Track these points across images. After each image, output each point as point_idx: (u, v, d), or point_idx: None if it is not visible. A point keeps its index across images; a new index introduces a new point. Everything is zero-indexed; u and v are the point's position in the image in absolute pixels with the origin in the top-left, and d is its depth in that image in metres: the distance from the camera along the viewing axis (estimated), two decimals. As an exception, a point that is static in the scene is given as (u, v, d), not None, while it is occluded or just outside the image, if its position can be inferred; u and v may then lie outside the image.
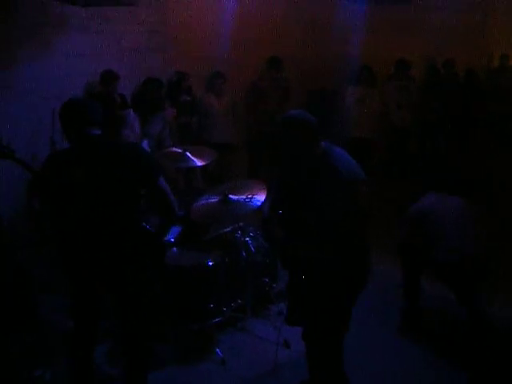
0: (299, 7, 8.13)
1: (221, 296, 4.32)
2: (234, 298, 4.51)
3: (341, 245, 2.96)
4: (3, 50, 5.63)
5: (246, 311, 4.52)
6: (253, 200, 4.27)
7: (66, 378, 3.49)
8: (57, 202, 3.13)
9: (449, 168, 7.97)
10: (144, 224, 3.73)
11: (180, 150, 4.81)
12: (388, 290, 4.88)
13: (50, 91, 5.83)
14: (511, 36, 10.34)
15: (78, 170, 2.99)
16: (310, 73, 8.29)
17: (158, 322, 4.15)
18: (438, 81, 9.04)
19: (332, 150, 3.07)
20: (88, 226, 3.06)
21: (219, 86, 7.10)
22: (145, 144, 5.62)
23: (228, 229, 4.71)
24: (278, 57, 7.55)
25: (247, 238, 4.63)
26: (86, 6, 6.06)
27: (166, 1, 7.05)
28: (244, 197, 4.32)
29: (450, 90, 8.88)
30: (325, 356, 3.33)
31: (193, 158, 4.74)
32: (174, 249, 4.40)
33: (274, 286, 4.83)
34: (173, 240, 4.41)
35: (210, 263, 4.22)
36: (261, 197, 4.27)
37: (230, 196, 4.32)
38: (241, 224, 4.63)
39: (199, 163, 4.76)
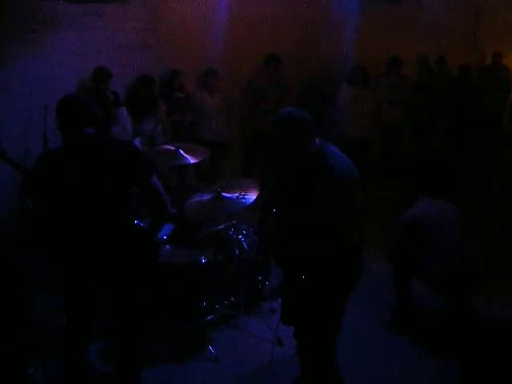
0: (294, 5, 8.12)
1: (214, 294, 4.32)
2: (226, 295, 4.51)
3: (337, 244, 2.96)
4: (-5, 47, 5.61)
5: (239, 309, 4.52)
6: (245, 198, 4.27)
7: (58, 377, 3.48)
8: (50, 201, 3.12)
9: (441, 167, 8.02)
10: (137, 222, 3.74)
11: (173, 148, 4.79)
12: (381, 289, 4.89)
13: (42, 89, 5.80)
14: (503, 34, 10.36)
15: (71, 168, 2.98)
16: (305, 71, 8.29)
17: (151, 320, 4.14)
18: (430, 78, 9.07)
19: (326, 148, 3.07)
20: (81, 225, 3.05)
21: (212, 83, 7.09)
22: (137, 142, 5.61)
23: (221, 226, 4.71)
24: (277, 54, 7.55)
25: (240, 236, 4.64)
26: (79, 3, 6.04)
27: (158, -2, 7.04)
28: (237, 194, 4.32)
29: (442, 88, 8.91)
30: (317, 354, 3.34)
31: (185, 155, 4.73)
32: (167, 246, 4.39)
33: (267, 283, 4.83)
34: (165, 238, 4.40)
35: (203, 261, 4.22)
36: (253, 195, 4.27)
37: (223, 194, 4.32)
38: (234, 222, 4.64)
39: (192, 161, 4.75)
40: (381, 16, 8.73)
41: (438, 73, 9.44)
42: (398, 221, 4.53)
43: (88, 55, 6.29)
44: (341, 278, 3.08)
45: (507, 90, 9.99)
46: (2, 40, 5.64)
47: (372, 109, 8.12)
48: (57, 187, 3.02)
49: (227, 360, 4.10)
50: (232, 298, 4.54)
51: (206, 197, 4.39)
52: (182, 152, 4.73)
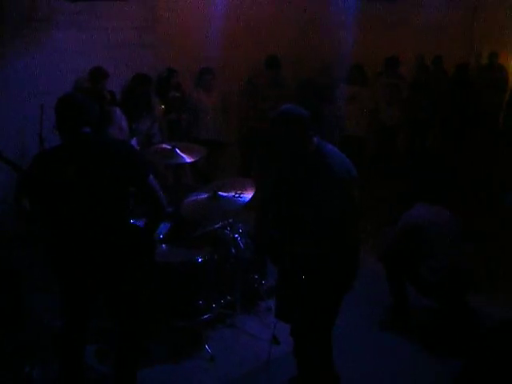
0: (292, 5, 8.12)
1: (210, 293, 4.32)
2: (223, 294, 4.51)
3: (335, 242, 2.97)
4: (-10, 46, 5.60)
5: (236, 308, 4.52)
6: (242, 197, 4.27)
7: (55, 376, 3.48)
8: (46, 201, 3.11)
9: (438, 166, 8.03)
10: (133, 221, 3.74)
11: (169, 147, 4.79)
12: (376, 288, 4.89)
13: (38, 87, 5.80)
14: (500, 33, 10.39)
15: (68, 168, 2.97)
16: (302, 70, 8.29)
17: (148, 319, 4.14)
18: (427, 78, 9.07)
19: (324, 146, 3.07)
20: (78, 225, 3.04)
21: (208, 81, 7.08)
22: (134, 142, 5.60)
23: (217, 225, 4.71)
24: (277, 57, 7.54)
25: (236, 235, 4.63)
26: (75, 2, 6.03)
27: (155, -3, 7.03)
28: (233, 194, 4.32)
29: (439, 88, 8.92)
30: (314, 352, 3.34)
31: (182, 154, 4.72)
32: (163, 245, 4.39)
33: (263, 282, 4.83)
34: (162, 237, 4.40)
35: (199, 260, 4.22)
36: (249, 194, 4.28)
37: (220, 193, 4.32)
38: (230, 220, 4.63)
39: (188, 160, 4.75)
40: (378, 16, 8.75)
41: (434, 72, 9.45)
42: (393, 225, 4.54)
43: (85, 54, 6.29)
44: (337, 275, 3.08)
45: (504, 89, 10.02)
46: (-2, 39, 5.64)
47: (371, 108, 8.12)
48: (53, 187, 3.01)
49: (224, 359, 4.10)
50: (228, 297, 4.54)
51: (203, 196, 4.39)
52: (178, 151, 4.73)
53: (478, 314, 4.45)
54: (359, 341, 4.32)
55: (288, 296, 3.29)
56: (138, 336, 3.40)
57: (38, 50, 5.99)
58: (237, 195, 4.28)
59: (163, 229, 4.45)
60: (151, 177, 3.14)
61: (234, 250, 4.50)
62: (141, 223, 3.52)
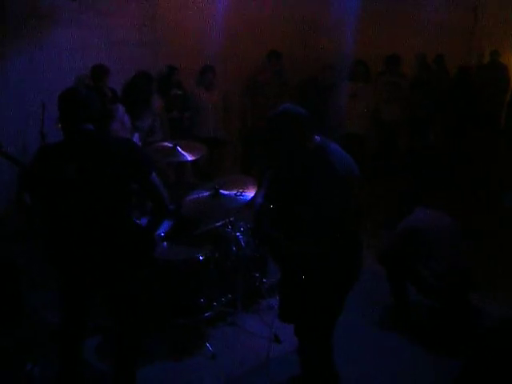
0: (293, 3, 8.11)
1: (211, 291, 4.32)
2: (224, 292, 4.51)
3: (335, 241, 2.96)
4: (-8, 43, 5.60)
5: (237, 306, 4.52)
6: (243, 195, 4.27)
7: (54, 373, 3.47)
8: (47, 197, 3.10)
9: (438, 164, 8.04)
10: (135, 219, 3.73)
11: (170, 145, 4.79)
12: (377, 287, 4.89)
13: (39, 84, 5.81)
14: (502, 32, 10.38)
15: (69, 165, 2.95)
16: (303, 68, 8.28)
17: (149, 317, 4.14)
18: (428, 76, 9.06)
19: (327, 144, 3.06)
20: (78, 222, 3.04)
21: (209, 80, 7.09)
22: (136, 137, 5.60)
23: (218, 223, 4.70)
24: (277, 50, 7.56)
25: (238, 233, 4.63)
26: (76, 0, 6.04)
27: (156, -5, 7.03)
28: (234, 192, 4.31)
29: (440, 86, 8.91)
30: (317, 352, 3.34)
31: (183, 152, 4.73)
32: (165, 243, 4.39)
33: (265, 280, 4.82)
34: (163, 234, 4.40)
35: (201, 258, 4.22)
36: (251, 192, 4.27)
37: (221, 191, 4.32)
38: (231, 219, 4.63)
39: (190, 158, 4.75)
40: (380, 14, 8.74)
41: (436, 71, 9.44)
42: (393, 227, 4.54)
43: (86, 52, 6.30)
44: (337, 275, 3.08)
45: (505, 88, 10.00)
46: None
47: (372, 107, 8.10)
48: (54, 183, 3.00)
49: (224, 357, 4.10)
50: (229, 295, 4.54)
51: (204, 194, 4.38)
52: (179, 149, 4.73)
53: (480, 314, 4.45)
54: (359, 340, 4.32)
55: (290, 296, 3.29)
56: (137, 334, 3.40)
57: (39, 48, 5.99)
58: (238, 194, 4.27)
59: (165, 226, 4.44)
60: (154, 174, 3.13)
61: (235, 248, 4.50)
62: (143, 221, 3.52)
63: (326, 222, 2.92)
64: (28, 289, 4.67)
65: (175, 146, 4.73)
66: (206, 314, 4.26)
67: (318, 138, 3.06)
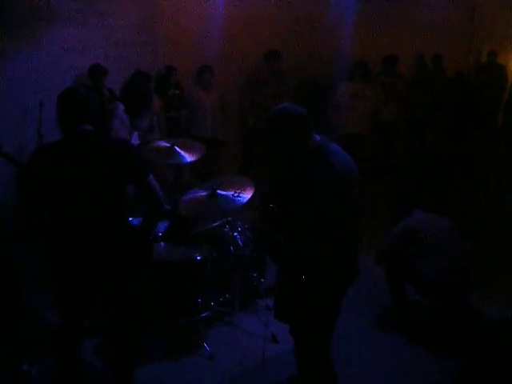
0: (291, 3, 8.11)
1: (208, 291, 4.32)
2: (221, 292, 4.52)
3: (337, 241, 2.96)
4: (-10, 43, 5.60)
5: (234, 306, 4.52)
6: (241, 196, 4.27)
7: (52, 374, 3.47)
8: (45, 197, 3.10)
9: (436, 164, 8.05)
10: (131, 219, 3.73)
11: (168, 144, 4.75)
12: (375, 286, 4.90)
13: (37, 85, 5.80)
14: (499, 32, 10.39)
15: (65, 165, 2.95)
16: (302, 69, 8.29)
17: (146, 317, 4.14)
18: (425, 76, 9.07)
19: (327, 145, 3.05)
20: (75, 222, 3.04)
21: (207, 79, 7.08)
22: (135, 136, 5.58)
23: (216, 223, 4.70)
24: (276, 50, 7.56)
25: (235, 233, 4.63)
26: (75, -1, 6.05)
27: (154, -6, 7.02)
28: (232, 192, 4.31)
29: (437, 87, 8.92)
30: (313, 351, 3.34)
31: (182, 152, 4.67)
32: (162, 243, 4.39)
33: (262, 280, 4.83)
34: (160, 235, 4.40)
35: (198, 258, 4.21)
36: (248, 193, 4.27)
37: (218, 191, 4.32)
38: (229, 219, 4.63)
39: (188, 159, 4.69)
40: (378, 14, 8.75)
41: (433, 71, 9.45)
42: (392, 228, 4.55)
43: (84, 52, 6.30)
44: (339, 274, 3.08)
45: (503, 88, 10.01)
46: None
47: (372, 106, 8.09)
48: (50, 183, 3.00)
49: (222, 357, 4.10)
50: (227, 295, 4.55)
51: (201, 193, 4.38)
52: (177, 149, 4.68)
53: (479, 314, 4.45)
54: (358, 340, 4.32)
55: (287, 295, 3.28)
56: (135, 334, 3.40)
57: (38, 48, 5.99)
58: (236, 195, 4.27)
59: (162, 227, 4.44)
60: (150, 176, 3.14)
61: (232, 248, 4.50)
62: (138, 221, 3.52)
63: (326, 222, 2.92)
64: (27, 289, 4.66)
65: (173, 145, 4.71)
66: (204, 314, 4.26)
67: (318, 137, 3.06)
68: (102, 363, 3.93)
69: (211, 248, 4.41)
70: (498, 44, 10.32)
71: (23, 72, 5.83)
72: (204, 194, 4.35)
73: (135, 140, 5.36)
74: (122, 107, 5.87)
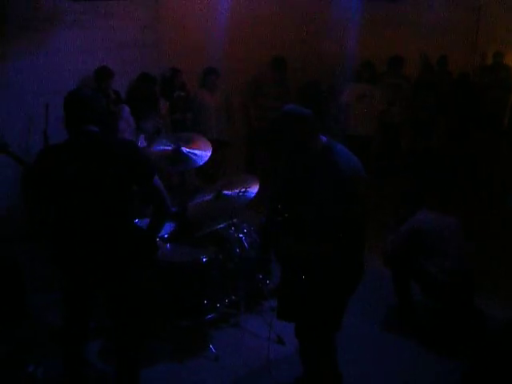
0: (295, 4, 8.11)
1: (214, 292, 4.32)
2: (227, 294, 4.51)
3: (339, 241, 2.96)
4: (-4, 45, 5.61)
5: (240, 307, 4.51)
6: (247, 193, 4.27)
7: (58, 375, 3.48)
8: (50, 198, 3.11)
9: (441, 166, 8.03)
10: (137, 221, 3.73)
11: (173, 146, 4.63)
12: (380, 287, 4.89)
13: (42, 87, 5.82)
14: (505, 33, 10.36)
15: (70, 166, 2.96)
16: (306, 70, 8.29)
17: (152, 319, 4.15)
18: (431, 78, 9.06)
19: (333, 145, 3.05)
20: (82, 222, 3.04)
21: (212, 81, 7.09)
22: (141, 138, 5.58)
23: (222, 225, 4.70)
24: (283, 57, 7.56)
25: (241, 235, 4.63)
26: (79, 1, 6.04)
27: (159, -4, 7.03)
28: (237, 191, 4.31)
29: (443, 88, 8.90)
30: (319, 353, 3.33)
31: (188, 156, 4.56)
32: (168, 245, 4.39)
33: (268, 282, 4.82)
34: (166, 236, 4.40)
35: (204, 259, 4.21)
36: (254, 189, 4.27)
37: (224, 192, 4.32)
38: (234, 220, 4.63)
39: (195, 164, 4.61)
40: (382, 15, 8.74)
41: (439, 72, 9.43)
42: (399, 226, 4.54)
43: (88, 53, 6.30)
44: (340, 275, 3.07)
45: (509, 89, 9.98)
46: (2, 38, 5.64)
47: (380, 107, 8.06)
48: (56, 183, 3.01)
49: (227, 358, 4.10)
50: (233, 297, 4.54)
51: (208, 197, 4.38)
52: (184, 150, 4.58)
53: (482, 315, 4.44)
54: (361, 340, 4.32)
55: (290, 295, 3.28)
56: (138, 335, 3.39)
57: (42, 50, 6.00)
58: (241, 192, 4.28)
59: (168, 228, 4.45)
60: (156, 177, 3.14)
61: (238, 250, 4.50)
62: (145, 222, 3.52)
63: (328, 222, 2.92)
64: (30, 289, 4.67)
65: (179, 148, 4.60)
66: (209, 316, 4.26)
67: (324, 138, 3.06)
68: (106, 364, 3.93)
69: (217, 250, 4.41)
70: (504, 44, 10.30)
71: (28, 74, 5.84)
72: (210, 196, 4.36)
73: (142, 142, 5.36)
74: (127, 109, 5.89)
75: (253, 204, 4.35)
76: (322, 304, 3.13)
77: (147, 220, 3.36)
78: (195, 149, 4.60)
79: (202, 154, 4.60)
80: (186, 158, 4.54)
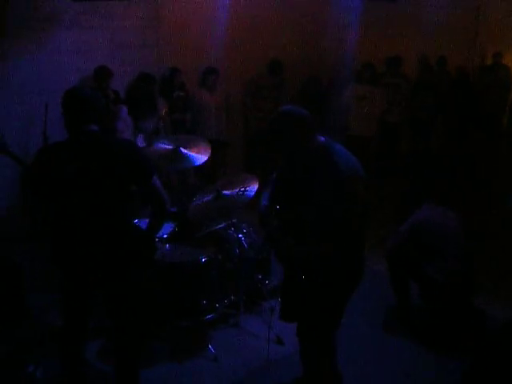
0: (295, 5, 8.11)
1: (213, 292, 4.32)
2: (226, 294, 4.51)
3: (339, 241, 2.96)
4: (-5, 45, 5.61)
5: (239, 308, 4.52)
6: (246, 191, 4.27)
7: (58, 374, 3.48)
8: (50, 197, 3.11)
9: (440, 166, 8.03)
10: (136, 221, 3.73)
11: (173, 146, 4.66)
12: (379, 288, 4.89)
13: (42, 87, 5.82)
14: (504, 33, 10.37)
15: (69, 165, 2.96)
16: (305, 70, 8.28)
17: (151, 319, 4.14)
18: (430, 78, 9.06)
19: (332, 145, 3.06)
20: (80, 222, 3.04)
21: (212, 81, 7.09)
22: (140, 138, 5.58)
23: (221, 225, 4.70)
24: (279, 61, 7.57)
25: (240, 235, 4.63)
26: (78, 1, 6.04)
27: (159, -4, 7.03)
28: (237, 190, 4.31)
29: (442, 88, 8.90)
30: (319, 353, 3.33)
31: (187, 155, 4.59)
32: (167, 245, 4.39)
33: (267, 282, 4.82)
34: (166, 236, 4.40)
35: (203, 260, 4.22)
36: (253, 187, 4.27)
37: (224, 192, 4.32)
38: (234, 220, 4.63)
39: (194, 163, 4.62)
40: (381, 16, 8.73)
41: (438, 72, 9.43)
42: (398, 226, 4.54)
43: (88, 53, 6.30)
44: (340, 275, 3.07)
45: (508, 89, 9.99)
46: (2, 38, 5.64)
47: (380, 108, 8.06)
48: (55, 182, 3.01)
49: (227, 359, 4.10)
50: (232, 297, 4.54)
51: (207, 198, 4.38)
52: (183, 150, 4.60)
53: (482, 315, 4.44)
54: (360, 340, 4.32)
55: (292, 295, 3.29)
56: (138, 335, 3.39)
57: (41, 50, 6.00)
58: (241, 192, 4.28)
59: (167, 228, 4.44)
60: (155, 177, 3.14)
61: (237, 250, 4.50)
62: (144, 223, 3.52)
63: (328, 222, 2.92)
64: (30, 289, 4.67)
65: (178, 147, 4.63)
66: (209, 316, 4.26)
67: (322, 138, 3.06)
68: (106, 364, 3.93)
69: (216, 250, 4.41)
70: (503, 44, 10.30)
71: (28, 73, 5.84)
72: (210, 197, 4.35)
73: (141, 142, 5.36)
74: (125, 110, 5.89)
75: (253, 204, 4.35)
76: (322, 304, 3.13)
77: (147, 220, 3.36)
78: (194, 152, 4.61)
79: (201, 156, 4.61)
80: (185, 157, 4.55)
